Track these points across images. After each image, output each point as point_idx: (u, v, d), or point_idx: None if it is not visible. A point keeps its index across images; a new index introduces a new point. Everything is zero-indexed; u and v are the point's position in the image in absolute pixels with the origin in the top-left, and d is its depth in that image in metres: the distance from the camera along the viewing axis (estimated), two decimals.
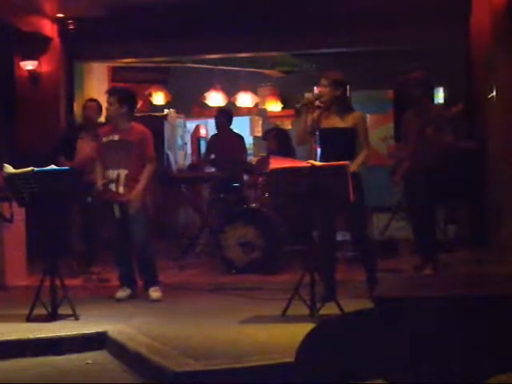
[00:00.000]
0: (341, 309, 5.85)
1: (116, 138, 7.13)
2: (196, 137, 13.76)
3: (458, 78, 10.71)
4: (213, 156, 10.35)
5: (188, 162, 12.79)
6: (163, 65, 12.82)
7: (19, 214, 7.94)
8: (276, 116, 14.71)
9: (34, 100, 10.48)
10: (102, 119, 9.14)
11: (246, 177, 9.85)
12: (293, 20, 10.21)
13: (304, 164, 6.13)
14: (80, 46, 10.83)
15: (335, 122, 6.60)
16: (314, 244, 6.54)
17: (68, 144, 8.51)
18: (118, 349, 5.56)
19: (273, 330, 5.68)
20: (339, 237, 7.24)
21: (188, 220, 10.98)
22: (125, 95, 7.35)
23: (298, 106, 6.74)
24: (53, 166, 6.47)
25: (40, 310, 6.22)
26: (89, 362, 5.49)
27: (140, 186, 7.03)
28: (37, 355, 5.62)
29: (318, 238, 6.67)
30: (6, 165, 6.42)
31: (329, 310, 5.91)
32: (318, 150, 7.39)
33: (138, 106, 12.09)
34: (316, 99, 6.64)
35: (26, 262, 8.32)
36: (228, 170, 9.60)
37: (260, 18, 10.11)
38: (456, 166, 8.32)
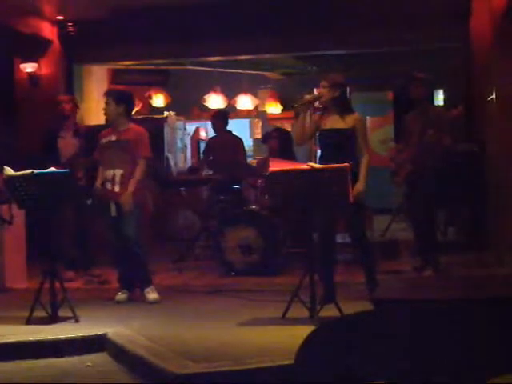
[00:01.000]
0: (340, 311, 5.85)
1: (113, 138, 7.22)
2: (196, 139, 13.77)
3: (458, 80, 10.72)
4: (210, 158, 10.35)
5: (188, 164, 12.79)
6: (163, 67, 12.83)
7: (19, 216, 7.94)
8: (276, 118, 14.73)
9: (33, 102, 10.48)
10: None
11: (245, 179, 9.85)
12: (293, 22, 10.21)
13: (304, 166, 6.14)
14: (80, 48, 10.83)
15: (334, 123, 6.60)
16: (313, 246, 6.54)
17: (49, 147, 8.39)
18: (117, 351, 5.55)
19: (272, 332, 5.68)
20: (339, 239, 7.24)
21: (187, 222, 10.97)
22: (121, 95, 7.44)
23: (294, 105, 6.74)
24: (52, 169, 6.49)
25: (40, 313, 6.22)
26: (89, 364, 5.48)
27: (132, 184, 7.06)
28: (37, 357, 5.62)
29: (318, 240, 6.67)
30: (5, 167, 6.42)
31: (328, 312, 5.91)
32: (318, 152, 7.39)
33: (138, 108, 12.13)
34: (315, 100, 6.65)
35: (25, 265, 8.31)
36: (227, 172, 9.59)
37: (260, 20, 10.11)
38: (456, 168, 8.33)
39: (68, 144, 8.39)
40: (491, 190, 8.93)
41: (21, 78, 10.74)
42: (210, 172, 10.37)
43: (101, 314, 6.59)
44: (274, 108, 14.61)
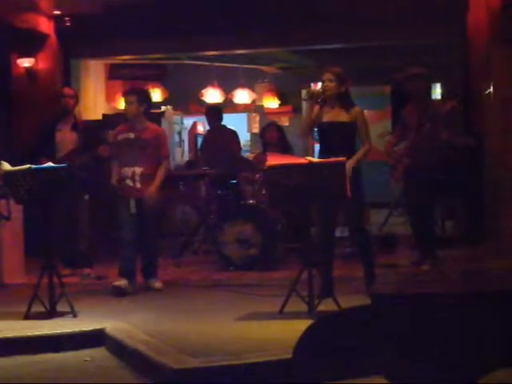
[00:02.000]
0: (338, 305, 5.86)
1: (132, 136, 7.42)
2: (193, 134, 13.75)
3: (456, 75, 10.72)
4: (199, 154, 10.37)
5: (185, 158, 12.78)
6: (160, 62, 12.81)
7: (17, 211, 7.94)
8: (273, 112, 14.72)
9: (30, 97, 10.45)
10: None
11: (243, 173, 9.85)
12: (290, 16, 10.19)
13: (301, 160, 6.14)
14: (77, 43, 10.81)
15: (338, 116, 6.61)
16: (311, 240, 6.54)
17: (45, 140, 8.38)
18: (116, 346, 5.56)
19: (271, 326, 5.69)
20: (337, 233, 7.24)
21: (185, 217, 10.97)
22: (144, 95, 7.71)
23: (305, 96, 6.77)
24: (50, 164, 6.49)
25: (38, 308, 6.22)
26: (87, 359, 5.49)
27: (157, 183, 7.38)
28: (35, 352, 5.62)
29: (316, 234, 6.67)
30: (3, 162, 6.42)
31: (326, 306, 5.92)
32: (316, 146, 7.40)
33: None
34: (323, 92, 6.62)
35: (23, 260, 8.31)
36: (224, 167, 9.59)
37: (257, 14, 10.10)
38: (453, 163, 8.33)
39: (66, 138, 8.37)
40: (489, 184, 8.94)
41: (18, 73, 10.71)
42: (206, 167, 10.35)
43: (99, 308, 6.59)
44: (271, 102, 14.60)
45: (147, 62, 12.68)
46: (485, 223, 9.02)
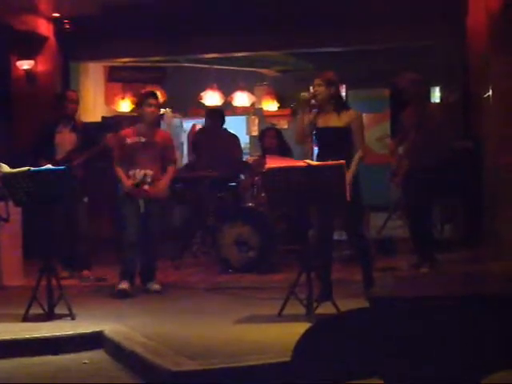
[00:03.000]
0: (337, 308, 5.86)
1: (143, 140, 7.52)
2: (192, 136, 13.74)
3: (455, 78, 10.73)
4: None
5: (184, 161, 12.77)
6: (159, 64, 12.81)
7: (15, 213, 7.93)
8: (272, 115, 14.71)
9: (30, 99, 10.46)
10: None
11: (242, 176, 9.84)
12: (289, 19, 10.20)
13: (300, 163, 6.14)
14: (76, 45, 10.81)
15: (331, 121, 6.61)
16: (310, 243, 6.54)
17: (45, 142, 8.37)
18: (114, 348, 5.56)
19: (269, 329, 5.69)
20: (335, 236, 7.24)
21: (184, 219, 10.96)
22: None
23: (293, 105, 6.78)
24: (49, 166, 6.49)
25: (36, 310, 6.22)
26: (85, 361, 5.48)
27: (165, 182, 7.57)
28: (33, 355, 5.62)
29: (315, 238, 6.67)
30: (2, 164, 6.42)
31: (325, 309, 5.92)
32: (316, 150, 7.41)
33: (135, 105, 12.11)
34: (311, 98, 6.64)
35: (22, 262, 8.30)
36: (223, 169, 9.59)
37: (256, 17, 10.10)
38: (452, 165, 8.33)
39: (65, 139, 8.37)
40: (487, 187, 8.94)
41: (17, 75, 10.72)
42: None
43: (97, 311, 6.59)
44: (270, 105, 14.59)
45: (146, 64, 12.68)
46: (483, 226, 9.02)
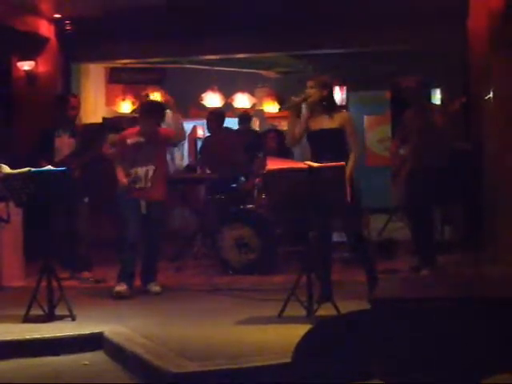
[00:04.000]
0: (337, 310, 5.86)
1: (142, 139, 7.56)
2: (193, 137, 13.75)
3: (455, 80, 10.72)
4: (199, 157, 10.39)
5: (185, 162, 12.78)
6: (160, 66, 12.82)
7: (16, 214, 7.93)
8: (273, 117, 14.72)
9: (30, 100, 10.46)
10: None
11: (243, 178, 9.85)
12: (290, 21, 10.20)
13: (301, 165, 6.14)
14: (77, 46, 10.82)
15: (323, 123, 6.62)
16: (310, 245, 6.54)
17: (46, 145, 8.37)
18: (114, 349, 5.55)
19: (269, 330, 5.69)
20: (335, 237, 7.24)
21: (185, 221, 10.97)
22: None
23: (283, 107, 6.80)
24: (49, 167, 6.49)
25: (37, 311, 6.22)
26: (86, 362, 5.48)
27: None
28: (33, 356, 5.62)
29: (315, 239, 6.67)
30: (2, 165, 6.42)
31: (325, 310, 5.92)
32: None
33: (135, 106, 12.13)
34: (303, 101, 6.65)
35: (23, 263, 8.30)
36: (224, 171, 9.59)
37: (257, 18, 10.10)
38: (452, 167, 8.33)
39: (64, 143, 8.38)
40: (487, 189, 8.94)
41: (18, 76, 10.73)
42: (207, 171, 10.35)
43: (97, 312, 6.59)
44: (271, 107, 14.60)
45: (147, 65, 12.69)
46: (484, 228, 9.02)
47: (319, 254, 6.59)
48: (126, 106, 12.85)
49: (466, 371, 2.81)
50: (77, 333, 5.84)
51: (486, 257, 8.38)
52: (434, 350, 2.79)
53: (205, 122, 10.96)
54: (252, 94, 14.23)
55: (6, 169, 6.38)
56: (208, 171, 10.25)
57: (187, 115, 14.21)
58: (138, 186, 7.45)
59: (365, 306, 3.82)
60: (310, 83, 6.67)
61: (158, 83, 13.14)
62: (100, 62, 12.12)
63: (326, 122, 6.61)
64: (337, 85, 12.18)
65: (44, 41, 10.66)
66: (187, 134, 13.47)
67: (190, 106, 14.32)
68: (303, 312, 5.94)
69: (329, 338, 2.87)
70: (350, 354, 2.83)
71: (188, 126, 13.73)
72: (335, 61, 12.08)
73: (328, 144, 6.55)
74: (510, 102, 8.45)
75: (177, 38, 10.52)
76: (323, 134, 6.59)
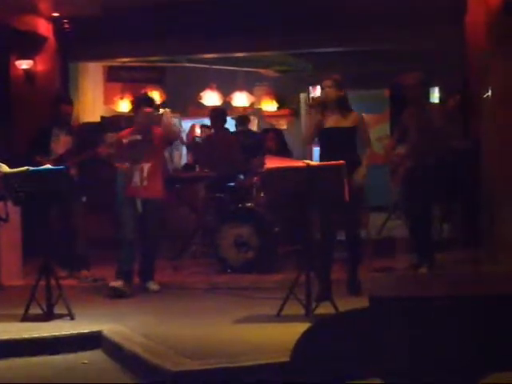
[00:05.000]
0: (336, 308, 5.86)
1: (138, 137, 7.61)
2: (192, 136, 13.73)
3: (454, 78, 10.72)
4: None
5: (183, 161, 12.76)
6: (159, 64, 12.81)
7: (15, 213, 7.93)
8: (271, 116, 14.72)
9: (29, 99, 10.46)
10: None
11: (241, 176, 9.85)
12: (289, 20, 10.20)
13: (299, 164, 6.14)
14: (75, 45, 10.82)
15: (338, 121, 6.75)
16: (309, 243, 6.54)
17: (42, 142, 8.36)
18: (113, 348, 5.55)
19: (268, 329, 5.69)
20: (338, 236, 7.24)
21: (183, 220, 10.96)
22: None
23: (308, 103, 6.88)
24: (48, 166, 6.49)
25: (35, 310, 6.22)
26: (84, 361, 5.48)
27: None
28: (32, 355, 5.62)
29: (315, 237, 6.68)
30: (1, 164, 6.41)
31: (324, 309, 5.92)
32: (314, 150, 7.45)
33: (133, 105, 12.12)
34: (324, 99, 6.77)
35: (21, 262, 8.30)
36: (222, 169, 9.59)
37: (256, 17, 10.10)
38: (451, 165, 8.33)
39: (60, 142, 8.37)
40: (486, 187, 8.94)
41: (16, 74, 10.72)
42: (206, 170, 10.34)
43: (96, 311, 6.59)
44: (269, 105, 14.60)
45: (146, 64, 12.68)
46: (482, 226, 9.02)
47: (320, 253, 6.60)
48: (124, 105, 12.85)
49: (464, 369, 2.80)
50: (75, 332, 5.84)
51: (485, 254, 8.39)
52: (432, 348, 2.79)
53: (203, 120, 10.96)
54: (251, 92, 14.23)
55: (5, 168, 6.38)
56: (206, 170, 10.25)
57: (186, 114, 14.22)
58: (133, 184, 7.46)
59: (363, 304, 3.82)
60: (327, 83, 6.79)
61: (157, 82, 13.14)
62: (98, 61, 12.12)
63: (341, 121, 6.75)
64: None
65: (42, 40, 10.65)
66: (186, 133, 13.51)
67: (188, 104, 14.32)
68: (302, 311, 5.94)
69: (327, 336, 2.87)
70: (348, 353, 2.82)
71: (186, 124, 13.74)
72: (334, 59, 12.07)
73: (342, 142, 6.68)
74: (509, 99, 8.44)
75: (175, 37, 10.51)
76: (339, 131, 6.71)
